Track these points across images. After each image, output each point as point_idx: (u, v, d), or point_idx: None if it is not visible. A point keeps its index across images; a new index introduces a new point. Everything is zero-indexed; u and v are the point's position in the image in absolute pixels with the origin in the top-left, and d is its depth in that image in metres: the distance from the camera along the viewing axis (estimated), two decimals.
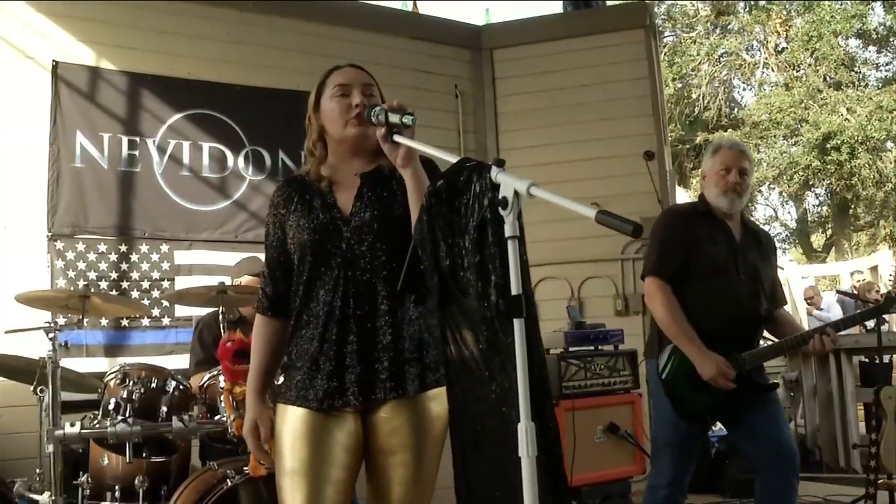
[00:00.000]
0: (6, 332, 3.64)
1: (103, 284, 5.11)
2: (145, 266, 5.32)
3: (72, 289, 4.61)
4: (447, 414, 2.22)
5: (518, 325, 1.57)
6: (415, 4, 7.38)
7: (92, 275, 5.13)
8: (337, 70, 2.35)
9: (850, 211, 21.65)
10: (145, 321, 5.24)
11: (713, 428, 4.35)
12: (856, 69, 21.69)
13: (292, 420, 2.19)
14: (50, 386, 3.18)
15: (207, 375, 3.66)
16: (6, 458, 4.60)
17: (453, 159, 1.84)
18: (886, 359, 8.99)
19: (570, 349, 5.12)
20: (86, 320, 4.11)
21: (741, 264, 3.41)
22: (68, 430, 3.14)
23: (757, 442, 3.36)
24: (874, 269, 14.06)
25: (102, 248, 5.21)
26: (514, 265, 1.59)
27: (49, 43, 5.21)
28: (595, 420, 4.99)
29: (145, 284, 5.29)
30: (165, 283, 5.35)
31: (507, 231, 1.60)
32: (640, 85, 6.79)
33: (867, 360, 8.83)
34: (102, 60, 5.38)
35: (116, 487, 3.64)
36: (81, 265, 5.12)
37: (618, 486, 5.02)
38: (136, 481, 3.55)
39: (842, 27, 19.92)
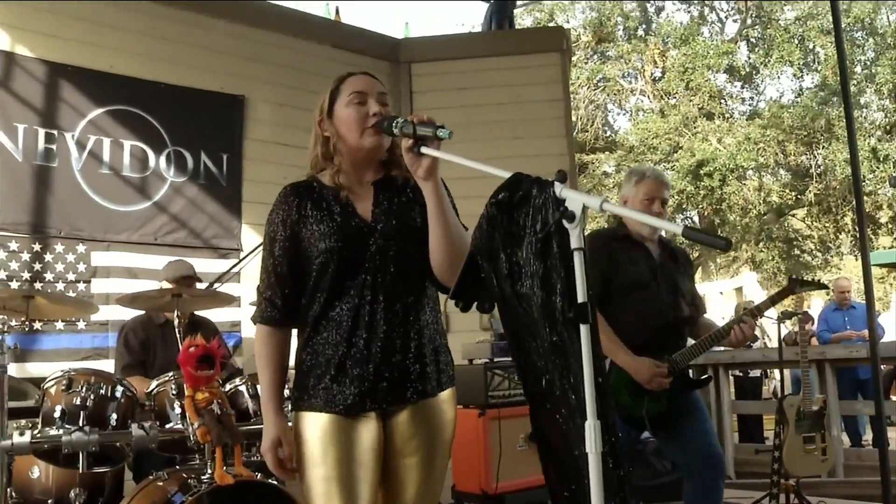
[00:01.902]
0: None
1: (14, 285, 4.84)
2: (60, 267, 5.07)
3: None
4: (455, 416, 2.36)
5: (585, 330, 1.63)
6: (337, 12, 7.34)
7: (2, 274, 4.86)
8: (352, 77, 2.32)
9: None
10: (59, 324, 5.00)
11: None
12: (724, 102, 22.95)
13: (318, 426, 2.16)
14: None
15: (156, 382, 3.51)
16: None
17: (496, 172, 1.88)
18: (757, 373, 9.60)
19: (496, 360, 5.22)
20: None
21: (661, 279, 3.63)
22: (17, 440, 2.95)
23: (686, 447, 3.57)
24: (739, 289, 14.91)
25: (14, 246, 4.94)
26: (581, 274, 1.64)
27: None
28: (518, 429, 5.09)
29: (60, 286, 5.04)
30: (82, 286, 5.12)
31: (574, 243, 1.66)
32: (555, 106, 7.02)
33: (740, 374, 9.39)
34: (18, 46, 5.12)
35: (49, 502, 3.47)
36: None
37: (539, 492, 5.12)
38: (72, 494, 3.39)
39: (714, 62, 21.02)
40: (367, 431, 2.18)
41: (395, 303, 2.18)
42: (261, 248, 2.35)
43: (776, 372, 9.46)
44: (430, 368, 2.24)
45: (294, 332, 2.34)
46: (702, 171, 19.48)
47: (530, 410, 1.77)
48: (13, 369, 4.65)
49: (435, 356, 2.27)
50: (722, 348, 10.56)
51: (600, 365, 1.64)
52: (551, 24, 20.61)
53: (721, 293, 15.76)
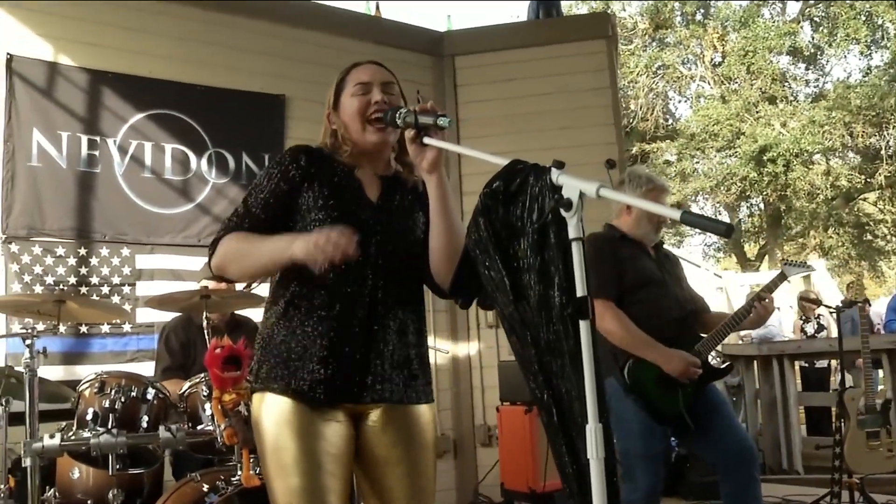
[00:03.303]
0: (6, 337, 3.44)
1: (62, 289, 4.91)
2: (106, 270, 5.13)
3: (40, 291, 4.42)
4: (436, 426, 2.23)
5: (584, 326, 1.53)
6: (377, 8, 7.31)
7: (49, 279, 4.93)
8: (357, 66, 2.26)
9: (782, 221, 22.24)
10: (105, 327, 5.05)
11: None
12: (787, 85, 22.35)
13: (282, 414, 2.04)
14: (27, 396, 3.01)
15: (188, 384, 3.52)
16: None
17: (495, 160, 1.79)
18: (824, 363, 9.29)
19: None
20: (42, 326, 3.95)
21: (665, 274, 3.64)
22: (47, 442, 2.97)
23: (717, 444, 3.48)
24: (807, 277, 14.47)
25: (60, 251, 5.01)
26: (580, 267, 1.55)
27: (4, 35, 4.99)
28: None
29: (105, 289, 5.10)
30: (127, 288, 5.17)
31: (571, 233, 1.56)
32: (602, 94, 6.85)
33: (807, 364, 9.10)
34: (61, 55, 5.18)
35: (89, 502, 3.48)
36: (38, 269, 4.91)
37: None
38: (111, 495, 3.39)
39: (776, 43, 20.48)
40: (337, 435, 2.05)
41: (392, 297, 2.09)
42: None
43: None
44: (413, 375, 2.14)
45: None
46: (765, 157, 19.02)
47: (538, 411, 1.67)
48: (60, 372, 4.76)
49: (421, 364, 2.17)
50: (787, 337, 10.30)
51: (599, 367, 1.54)
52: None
53: (788, 281, 15.29)
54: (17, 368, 3.54)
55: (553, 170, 1.63)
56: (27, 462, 2.92)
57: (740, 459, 3.41)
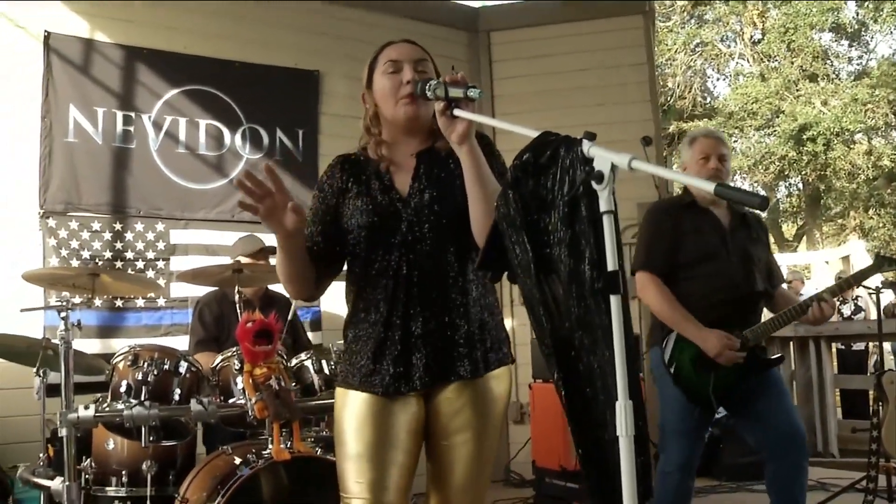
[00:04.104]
0: (21, 311, 3.49)
1: (98, 263, 4.96)
2: (140, 245, 5.18)
3: (76, 265, 4.47)
4: (507, 394, 2.25)
5: (615, 301, 1.50)
6: None
7: (85, 253, 4.99)
8: (389, 45, 2.24)
9: (822, 201, 21.91)
10: (140, 301, 5.11)
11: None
12: (829, 62, 21.92)
13: (355, 404, 2.12)
14: (62, 367, 3.05)
15: (220, 357, 3.54)
16: None
17: (525, 132, 1.76)
18: (861, 346, 9.15)
19: None
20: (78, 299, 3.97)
21: (731, 248, 3.43)
22: (82, 413, 3.01)
23: (764, 427, 3.35)
24: (846, 258, 14.24)
25: (96, 226, 5.07)
26: (611, 241, 1.51)
27: (42, 13, 5.03)
28: None
29: (140, 264, 5.15)
30: (161, 263, 5.23)
31: (603, 206, 1.53)
32: (639, 70, 6.78)
33: (843, 347, 8.97)
34: (97, 32, 5.22)
35: (123, 472, 3.54)
36: (74, 244, 4.97)
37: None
38: (144, 466, 3.44)
39: (818, 20, 20.09)
40: (405, 412, 2.12)
41: (430, 281, 2.11)
42: None
43: (885, 345, 9.02)
44: (476, 349, 2.15)
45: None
46: (805, 136, 18.70)
47: (556, 390, 1.65)
48: (97, 345, 4.82)
49: (481, 336, 2.16)
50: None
51: (631, 342, 1.51)
52: None
53: (827, 262, 15.08)
54: (53, 341, 3.59)
55: (584, 141, 1.59)
56: (63, 432, 2.97)
57: (787, 446, 3.27)
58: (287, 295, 4.60)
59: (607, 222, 1.52)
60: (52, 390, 3.61)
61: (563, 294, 1.60)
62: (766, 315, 3.51)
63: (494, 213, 1.75)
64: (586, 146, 1.59)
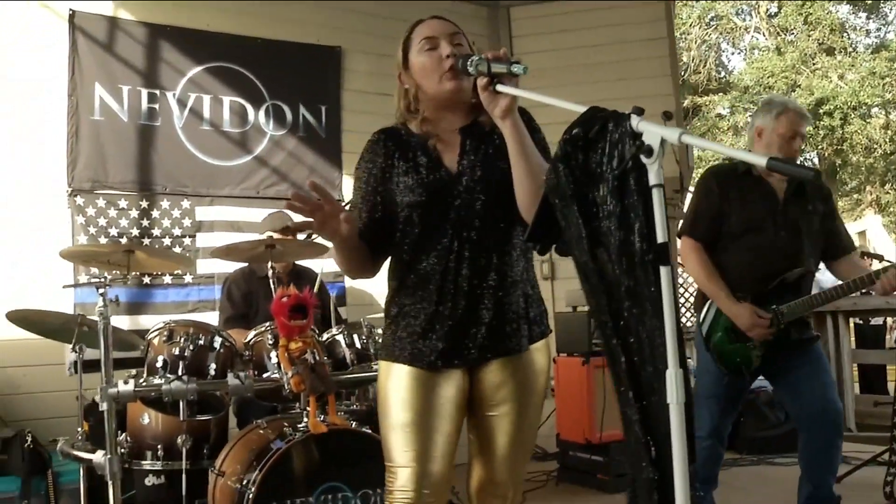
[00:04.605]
0: (64, 287, 3.55)
1: (124, 241, 5.01)
2: (167, 222, 5.23)
3: (104, 241, 4.52)
4: (548, 366, 2.30)
5: (665, 272, 1.53)
6: None
7: (113, 231, 5.04)
8: (421, 23, 2.25)
9: (838, 176, 21.81)
10: (167, 278, 5.16)
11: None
12: (846, 35, 21.70)
13: (400, 376, 2.15)
14: (101, 343, 3.09)
15: (253, 332, 3.59)
16: (28, 417, 4.55)
17: (571, 107, 1.78)
18: (879, 321, 9.12)
19: None
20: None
21: (780, 221, 3.37)
22: (122, 387, 3.07)
23: (800, 400, 3.35)
24: (862, 233, 14.17)
25: (123, 203, 5.12)
26: (661, 213, 1.54)
27: None
28: None
29: (167, 241, 5.20)
30: (187, 240, 5.28)
31: (652, 179, 1.55)
32: (659, 45, 6.76)
33: (861, 322, 8.95)
34: (121, 10, 5.25)
35: (158, 446, 3.60)
36: (102, 221, 5.02)
37: None
38: (179, 440, 3.51)
39: None
40: (451, 384, 2.16)
41: (481, 257, 2.13)
42: None
43: None
44: (520, 324, 2.18)
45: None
46: (821, 111, 18.57)
47: (606, 357, 1.68)
48: (125, 321, 4.88)
49: (526, 310, 2.20)
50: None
51: (679, 313, 1.54)
52: None
53: None
54: (90, 317, 3.64)
55: (633, 116, 1.61)
56: (104, 406, 3.02)
57: (820, 422, 3.27)
58: (313, 269, 4.74)
59: (657, 195, 1.54)
60: (85, 366, 3.66)
61: (613, 266, 1.62)
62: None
63: (544, 186, 1.77)
64: (635, 121, 1.60)
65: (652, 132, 1.57)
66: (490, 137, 2.19)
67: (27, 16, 4.96)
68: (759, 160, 1.40)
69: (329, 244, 2.21)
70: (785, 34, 21.55)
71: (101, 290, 3.12)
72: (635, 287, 1.60)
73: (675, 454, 1.49)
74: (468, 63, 2.03)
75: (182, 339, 3.36)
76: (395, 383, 2.15)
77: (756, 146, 3.48)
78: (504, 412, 2.20)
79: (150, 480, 3.65)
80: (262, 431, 3.38)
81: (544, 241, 1.82)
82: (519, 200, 2.07)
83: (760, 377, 3.56)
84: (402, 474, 2.09)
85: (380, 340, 3.59)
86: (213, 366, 3.40)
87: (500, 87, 1.97)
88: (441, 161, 2.19)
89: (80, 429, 3.63)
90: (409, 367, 2.15)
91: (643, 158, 1.56)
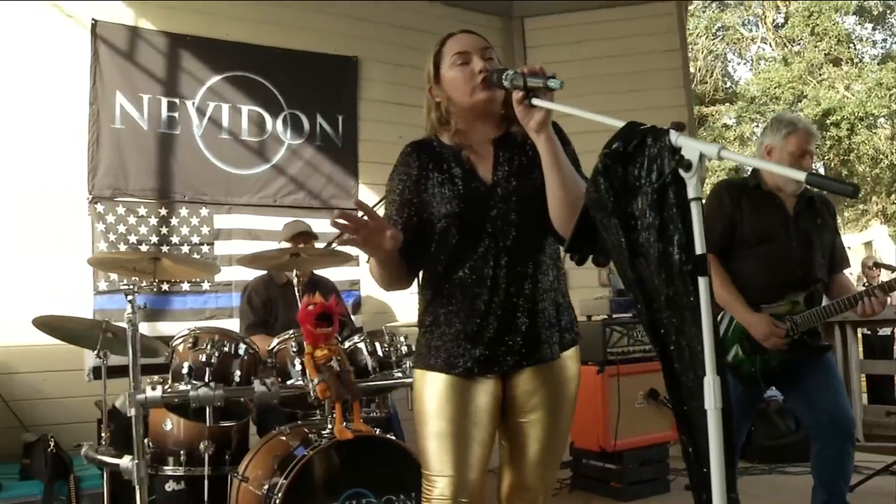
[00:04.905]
0: (96, 294, 3.58)
1: (143, 248, 5.06)
2: (185, 230, 5.28)
3: (123, 248, 4.57)
4: (579, 373, 2.32)
5: (703, 283, 1.57)
6: None
7: (132, 238, 5.09)
8: (451, 38, 2.28)
9: None
10: (185, 286, 5.21)
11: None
12: (853, 46, 21.75)
13: (435, 384, 2.18)
14: (130, 349, 3.12)
15: (277, 340, 3.63)
16: (47, 422, 4.59)
17: (605, 120, 1.82)
18: (887, 331, 9.13)
19: (614, 316, 5.16)
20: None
21: (793, 233, 3.42)
22: (150, 394, 3.10)
23: (812, 408, 3.38)
24: (868, 243, 14.22)
25: (142, 211, 5.16)
26: (699, 226, 1.58)
27: (89, 1, 5.12)
28: (637, 386, 5.07)
29: (185, 248, 5.25)
30: (205, 248, 5.32)
31: (691, 193, 1.59)
32: (672, 56, 6.82)
33: (869, 332, 8.96)
34: (141, 20, 5.30)
35: (181, 452, 3.63)
36: (122, 228, 5.06)
37: (656, 450, 5.08)
38: (201, 446, 3.55)
39: (842, 3, 19.95)
40: (485, 392, 2.19)
41: (516, 266, 2.16)
42: (380, 205, 2.34)
43: None
44: (552, 332, 2.21)
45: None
46: (828, 121, 18.61)
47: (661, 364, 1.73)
48: (144, 328, 4.90)
49: (557, 318, 2.23)
50: None
51: (716, 322, 1.59)
52: None
53: (849, 248, 14.99)
54: (114, 323, 3.69)
55: (672, 132, 1.65)
56: (131, 412, 3.04)
57: (832, 430, 3.29)
58: (330, 279, 4.79)
59: (695, 208, 1.59)
60: (109, 372, 3.71)
61: (653, 276, 1.67)
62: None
63: (579, 198, 1.81)
64: (674, 136, 1.65)
65: (691, 147, 1.61)
66: (522, 148, 2.23)
67: (50, 25, 5.01)
68: (798, 175, 1.44)
69: (350, 252, 2.24)
70: (791, 45, 21.61)
71: (129, 297, 3.15)
72: (675, 296, 1.64)
73: (712, 459, 1.53)
74: (503, 77, 2.07)
75: (207, 346, 3.39)
76: (431, 391, 2.19)
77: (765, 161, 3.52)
78: (536, 419, 2.23)
79: (170, 486, 3.68)
80: (284, 438, 3.43)
81: (583, 251, 1.86)
82: (552, 211, 2.11)
83: (772, 386, 3.59)
84: (440, 483, 2.12)
85: (401, 349, 3.66)
86: (237, 373, 3.43)
87: (535, 101, 2.01)
88: (475, 172, 2.22)
89: (103, 434, 3.67)
90: (444, 375, 2.18)
91: (682, 172, 1.61)
